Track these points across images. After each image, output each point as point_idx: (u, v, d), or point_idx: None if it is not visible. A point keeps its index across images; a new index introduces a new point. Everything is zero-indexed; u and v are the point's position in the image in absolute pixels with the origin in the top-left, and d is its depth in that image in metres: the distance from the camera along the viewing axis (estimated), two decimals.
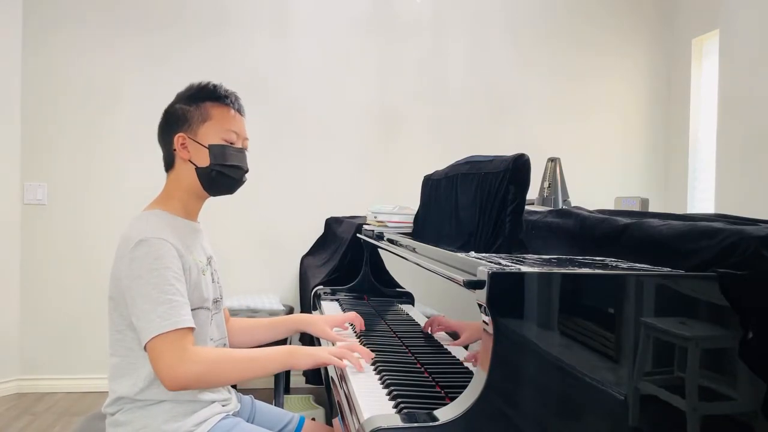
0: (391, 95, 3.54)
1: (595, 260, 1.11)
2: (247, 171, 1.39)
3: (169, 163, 1.37)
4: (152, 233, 1.21)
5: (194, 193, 1.36)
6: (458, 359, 1.30)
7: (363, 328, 1.59)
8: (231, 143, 1.35)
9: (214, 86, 1.36)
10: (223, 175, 1.34)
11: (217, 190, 1.37)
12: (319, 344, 1.63)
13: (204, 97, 1.35)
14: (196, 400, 1.25)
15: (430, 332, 1.53)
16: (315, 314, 1.95)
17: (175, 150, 1.33)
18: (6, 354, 3.23)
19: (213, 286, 1.36)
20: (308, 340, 2.04)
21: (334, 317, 1.60)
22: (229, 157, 1.33)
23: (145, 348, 1.17)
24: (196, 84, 1.38)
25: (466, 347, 1.28)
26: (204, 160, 1.32)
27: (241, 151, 1.37)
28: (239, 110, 1.38)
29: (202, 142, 1.32)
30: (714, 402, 0.92)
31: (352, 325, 1.63)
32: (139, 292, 1.17)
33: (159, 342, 1.15)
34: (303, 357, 1.27)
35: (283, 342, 1.60)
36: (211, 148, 1.32)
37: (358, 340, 1.51)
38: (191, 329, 1.19)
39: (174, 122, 1.34)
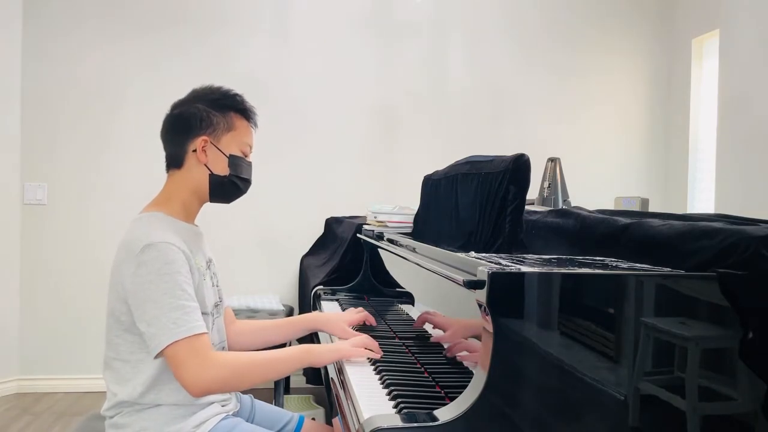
0: (391, 95, 3.54)
1: (595, 260, 1.11)
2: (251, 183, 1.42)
3: (177, 162, 1.34)
4: (159, 237, 1.20)
5: (198, 196, 1.35)
6: (458, 359, 1.30)
7: (374, 324, 1.62)
8: (245, 156, 1.38)
9: (241, 98, 1.38)
10: (234, 185, 1.36)
11: (221, 198, 1.38)
12: (318, 337, 1.63)
13: (230, 106, 1.36)
14: (194, 402, 1.24)
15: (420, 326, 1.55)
16: (327, 312, 1.93)
17: (194, 151, 1.32)
18: (6, 354, 3.23)
19: (213, 290, 1.36)
20: (307, 339, 2.04)
21: (350, 316, 1.58)
22: (243, 169, 1.37)
23: (157, 355, 1.16)
24: (217, 88, 1.38)
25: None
26: (222, 169, 1.33)
27: (251, 165, 1.41)
28: (255, 124, 1.41)
29: (224, 150, 1.34)
30: (714, 402, 0.92)
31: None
32: (150, 298, 1.16)
33: (178, 349, 1.14)
34: (325, 354, 1.30)
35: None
36: (231, 159, 1.34)
37: None
38: (206, 334, 1.19)
39: (196, 123, 1.32)
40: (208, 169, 1.33)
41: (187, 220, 1.35)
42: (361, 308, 1.64)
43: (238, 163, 1.35)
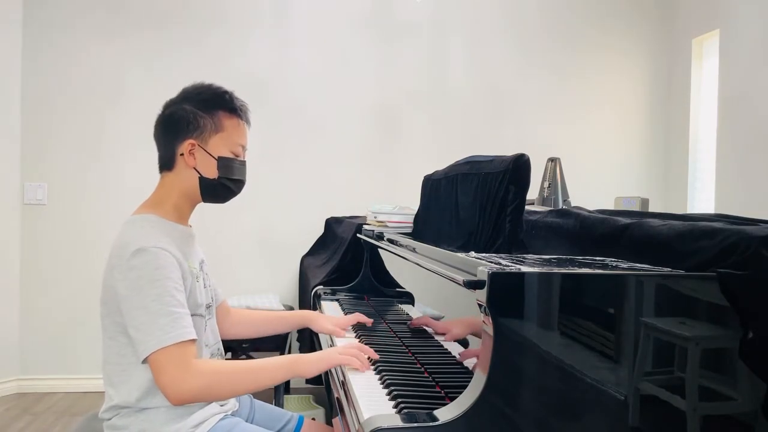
0: (390, 95, 3.54)
1: (595, 260, 1.11)
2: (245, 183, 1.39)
3: (168, 164, 1.33)
4: (151, 242, 1.18)
5: (190, 198, 1.34)
6: (458, 359, 1.30)
7: (370, 323, 1.64)
8: (237, 156, 1.34)
9: (230, 96, 1.34)
10: (226, 187, 1.34)
11: (214, 200, 1.36)
12: (318, 342, 1.64)
13: (218, 106, 1.32)
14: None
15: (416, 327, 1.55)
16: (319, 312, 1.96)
17: (182, 154, 1.30)
18: (6, 354, 3.23)
19: (205, 291, 1.34)
20: (308, 338, 2.04)
21: (338, 318, 1.64)
22: (235, 171, 1.33)
23: (144, 360, 1.15)
24: (207, 86, 1.34)
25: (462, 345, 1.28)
26: (211, 172, 1.31)
27: (244, 164, 1.37)
28: (248, 122, 1.37)
29: (212, 152, 1.31)
30: (714, 402, 0.92)
31: (354, 325, 1.64)
32: (139, 304, 1.15)
33: (161, 356, 1.13)
34: (314, 363, 1.26)
35: (284, 337, 1.61)
36: (220, 161, 1.31)
37: (358, 339, 1.51)
38: (193, 341, 1.18)
39: (183, 125, 1.30)
40: (198, 172, 1.30)
41: (179, 222, 1.33)
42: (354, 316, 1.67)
43: (228, 165, 1.32)
